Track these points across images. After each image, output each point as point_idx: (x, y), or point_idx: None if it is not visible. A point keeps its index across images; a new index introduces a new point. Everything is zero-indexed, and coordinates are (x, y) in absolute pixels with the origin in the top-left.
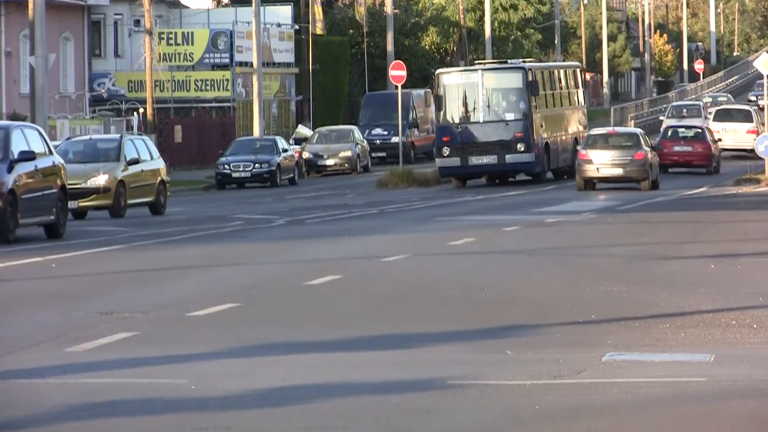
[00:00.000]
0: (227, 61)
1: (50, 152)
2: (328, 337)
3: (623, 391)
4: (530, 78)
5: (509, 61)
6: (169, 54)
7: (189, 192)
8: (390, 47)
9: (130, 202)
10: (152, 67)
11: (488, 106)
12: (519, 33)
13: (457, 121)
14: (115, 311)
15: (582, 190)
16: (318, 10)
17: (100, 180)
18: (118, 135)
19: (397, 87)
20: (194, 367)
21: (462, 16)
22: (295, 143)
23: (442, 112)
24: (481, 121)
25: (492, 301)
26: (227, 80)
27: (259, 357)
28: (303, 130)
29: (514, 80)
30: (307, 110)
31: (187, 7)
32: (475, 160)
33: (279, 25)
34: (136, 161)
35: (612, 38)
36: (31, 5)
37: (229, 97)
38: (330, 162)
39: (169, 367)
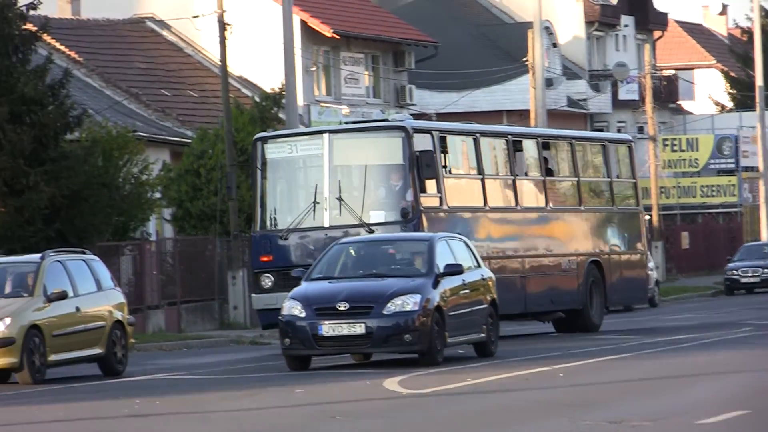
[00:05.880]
0: (733, 166)
1: (478, 265)
2: None
3: None
4: (418, 147)
5: (390, 117)
6: (673, 160)
7: (697, 298)
8: None
9: None
10: (657, 173)
11: (339, 198)
12: None
13: (284, 225)
14: (624, 419)
15: None
16: None
17: None
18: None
19: None
20: None
21: None
22: None
23: (260, 210)
24: (326, 225)
25: None
26: (733, 185)
27: None
28: None
29: (387, 151)
30: None
31: (690, 113)
32: None
33: None
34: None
35: None
36: (532, 114)
37: (735, 203)
38: None
39: None
